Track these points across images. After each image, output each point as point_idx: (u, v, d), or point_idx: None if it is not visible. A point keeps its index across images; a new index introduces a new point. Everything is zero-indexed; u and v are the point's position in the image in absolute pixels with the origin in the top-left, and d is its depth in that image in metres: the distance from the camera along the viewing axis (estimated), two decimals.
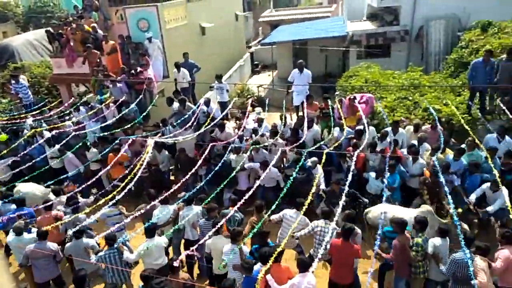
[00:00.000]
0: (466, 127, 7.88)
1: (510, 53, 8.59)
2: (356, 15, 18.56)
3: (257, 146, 8.39)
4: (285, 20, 23.15)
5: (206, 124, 9.60)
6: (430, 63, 14.49)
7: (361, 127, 8.45)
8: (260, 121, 9.84)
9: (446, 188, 5.86)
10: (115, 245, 5.94)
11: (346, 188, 6.26)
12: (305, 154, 7.65)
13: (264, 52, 21.25)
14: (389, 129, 8.52)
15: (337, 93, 11.49)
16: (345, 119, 9.14)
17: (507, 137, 7.69)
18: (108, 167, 8.16)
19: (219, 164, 7.85)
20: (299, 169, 7.33)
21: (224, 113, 10.93)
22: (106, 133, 9.59)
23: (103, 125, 10.26)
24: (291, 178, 6.75)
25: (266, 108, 10.93)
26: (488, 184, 6.76)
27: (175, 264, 5.29)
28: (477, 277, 4.86)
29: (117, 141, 8.90)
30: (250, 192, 6.57)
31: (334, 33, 17.10)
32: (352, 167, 6.70)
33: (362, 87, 10.69)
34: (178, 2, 14.67)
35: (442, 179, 6.06)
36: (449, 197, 5.71)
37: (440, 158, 7.24)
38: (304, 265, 4.96)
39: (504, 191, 6.30)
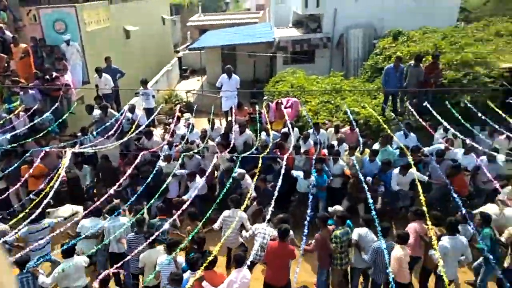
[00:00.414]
0: (385, 126, 8.64)
1: (417, 60, 9.49)
2: (283, 22, 19.20)
3: (188, 153, 8.25)
4: (214, 25, 23.15)
5: (131, 132, 9.22)
6: (349, 69, 15.47)
7: (286, 129, 8.73)
8: (190, 126, 9.71)
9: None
10: (27, 269, 5.42)
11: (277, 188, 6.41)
12: (239, 159, 7.70)
13: (192, 57, 21.02)
14: (311, 130, 8.94)
15: (265, 98, 11.75)
16: (272, 123, 9.39)
17: (412, 134, 8.54)
18: (19, 184, 7.42)
19: (151, 173, 7.55)
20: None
21: (150, 120, 10.60)
22: (15, 145, 8.69)
23: (10, 135, 9.21)
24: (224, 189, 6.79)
25: (194, 114, 10.82)
26: (397, 169, 7.40)
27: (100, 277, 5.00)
28: (390, 265, 5.30)
29: (28, 154, 8.12)
30: (188, 202, 6.52)
31: (261, 39, 17.48)
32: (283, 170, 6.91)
33: (288, 92, 11.05)
34: (100, 4, 13.95)
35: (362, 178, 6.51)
36: (368, 194, 6.13)
37: (357, 157, 7.76)
38: (239, 261, 5.10)
39: (413, 170, 6.98)
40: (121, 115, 9.79)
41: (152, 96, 11.25)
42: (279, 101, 10.03)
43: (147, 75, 13.68)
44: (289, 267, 5.85)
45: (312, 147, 8.38)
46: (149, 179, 7.30)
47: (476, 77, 9.60)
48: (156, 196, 6.93)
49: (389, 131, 8.70)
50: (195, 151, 8.45)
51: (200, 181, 7.52)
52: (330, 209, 6.58)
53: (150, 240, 5.68)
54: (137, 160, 7.57)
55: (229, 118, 10.60)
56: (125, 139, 8.81)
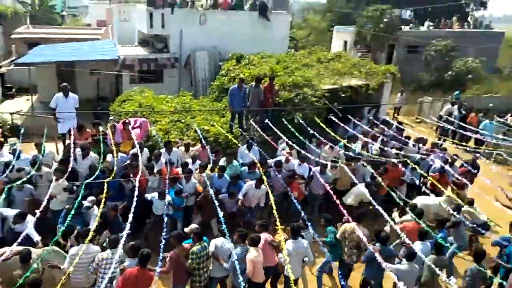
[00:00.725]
0: (235, 141, 9.22)
1: (257, 81, 10.46)
2: (127, 40, 18.60)
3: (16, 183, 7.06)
4: (46, 38, 20.66)
5: None
6: (198, 89, 15.98)
7: (135, 150, 8.40)
8: (16, 152, 8.34)
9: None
10: None
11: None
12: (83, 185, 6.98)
13: (19, 73, 18.20)
14: (163, 150, 8.86)
15: (111, 118, 11.06)
16: (119, 144, 8.91)
17: (254, 147, 9.35)
18: None
19: None
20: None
21: None
22: None
23: None
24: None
25: (21, 138, 9.33)
26: (252, 182, 7.95)
27: None
28: (247, 267, 5.74)
29: None
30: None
31: (105, 56, 16.48)
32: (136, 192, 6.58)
33: (136, 111, 10.68)
34: None
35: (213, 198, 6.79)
36: (220, 211, 6.44)
37: (208, 174, 8.04)
38: None
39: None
40: None
41: None
42: (126, 121, 9.60)
43: None
44: None
45: (164, 167, 8.27)
46: None
47: (305, 97, 11.14)
48: None
49: (239, 146, 9.32)
50: (24, 179, 7.28)
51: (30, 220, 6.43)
52: (186, 229, 6.58)
53: None
54: None
55: (67, 142, 9.58)
56: None
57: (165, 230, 6.03)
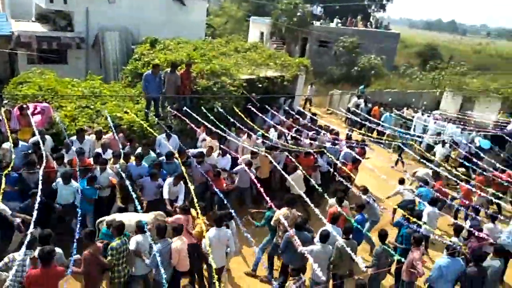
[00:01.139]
0: (151, 130, 8.82)
1: (173, 67, 10.07)
2: (22, 15, 16.42)
3: None
4: None
5: None
6: (109, 72, 14.87)
7: (36, 138, 7.52)
8: None
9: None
10: None
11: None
12: None
13: None
14: (74, 138, 8.09)
15: (5, 102, 9.72)
16: (17, 132, 7.89)
17: (173, 135, 9.02)
18: None
19: None
20: None
21: None
22: None
23: None
24: None
25: None
26: (171, 179, 7.64)
27: None
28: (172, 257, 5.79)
29: None
30: None
31: None
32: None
33: (36, 95, 9.54)
34: None
35: (127, 182, 6.38)
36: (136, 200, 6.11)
37: (122, 164, 7.58)
38: None
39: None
40: None
41: None
42: (24, 105, 8.52)
43: None
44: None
45: (75, 157, 7.54)
46: None
47: (223, 85, 11.08)
48: None
49: (155, 135, 8.92)
50: None
51: None
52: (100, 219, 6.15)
53: None
54: None
55: None
56: None
57: (78, 226, 5.48)
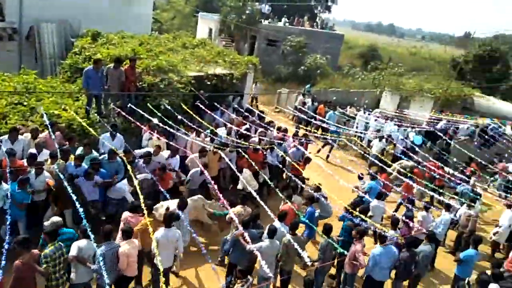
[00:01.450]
0: (90, 129, 8.42)
1: (116, 62, 9.62)
2: None
3: None
4: None
5: None
6: (45, 67, 13.94)
7: None
8: None
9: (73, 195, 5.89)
10: None
11: None
12: None
13: None
14: (4, 137, 7.47)
15: None
16: None
17: (118, 134, 8.70)
18: None
19: None
20: None
21: None
22: None
23: None
24: None
25: None
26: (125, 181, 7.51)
27: None
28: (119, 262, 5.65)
29: None
30: None
31: None
32: None
33: None
34: None
35: (68, 186, 6.03)
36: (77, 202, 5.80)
37: (61, 164, 7.16)
38: None
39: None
40: None
41: None
42: None
43: None
44: None
45: (4, 158, 6.94)
46: None
47: (171, 82, 10.81)
48: None
49: (95, 134, 8.49)
50: None
51: None
52: (46, 223, 5.74)
53: None
54: None
55: None
56: None
57: (8, 233, 5.04)
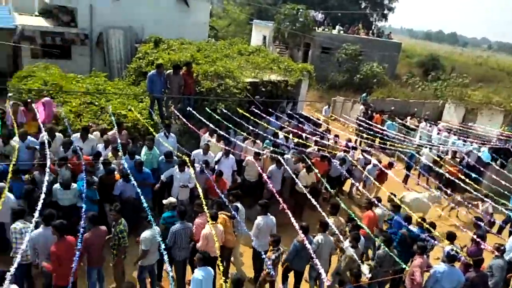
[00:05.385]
0: (152, 129, 8.83)
1: (175, 68, 9.98)
2: (25, 8, 16.38)
3: None
4: None
5: None
6: (113, 70, 14.85)
7: (43, 135, 7.46)
8: None
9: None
10: None
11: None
12: None
13: None
14: (75, 136, 8.04)
15: (10, 95, 9.67)
16: (22, 125, 7.85)
17: (172, 134, 9.14)
18: None
19: None
20: None
21: None
22: None
23: None
24: None
25: None
26: (176, 167, 7.75)
27: None
28: None
29: None
30: None
31: None
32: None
33: (41, 90, 9.49)
34: None
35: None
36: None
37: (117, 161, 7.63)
38: None
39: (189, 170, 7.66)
40: None
41: None
42: (29, 100, 8.49)
43: None
44: None
45: (74, 156, 7.45)
46: None
47: (227, 87, 11.06)
48: None
49: (156, 135, 8.86)
50: None
51: None
52: (164, 201, 6.66)
53: None
54: None
55: None
56: None
57: (84, 224, 5.43)
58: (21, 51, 13.91)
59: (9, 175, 5.77)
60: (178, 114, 9.90)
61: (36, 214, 4.97)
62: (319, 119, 13.93)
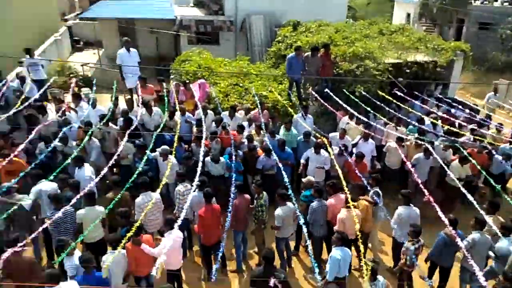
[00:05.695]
0: (291, 110, 9.15)
1: (313, 50, 10.01)
2: (182, 0, 18.59)
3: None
4: None
5: (19, 105, 7.90)
6: (254, 54, 15.78)
7: (199, 112, 8.51)
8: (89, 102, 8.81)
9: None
10: None
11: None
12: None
13: (85, 28, 18.95)
14: (225, 114, 8.89)
15: (172, 76, 11.27)
16: (182, 103, 9.09)
17: (309, 115, 9.27)
18: None
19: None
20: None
21: (40, 92, 9.19)
22: None
23: None
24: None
25: (94, 89, 9.81)
26: (312, 149, 7.89)
27: None
28: None
29: None
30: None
31: (162, 16, 16.65)
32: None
33: (196, 72, 10.76)
34: None
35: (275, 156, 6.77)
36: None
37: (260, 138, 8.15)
38: (169, 223, 5.43)
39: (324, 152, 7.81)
40: (3, 85, 8.30)
41: (41, 66, 9.83)
42: (187, 81, 9.75)
43: (26, 44, 11.79)
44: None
45: (223, 131, 8.31)
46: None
47: (367, 69, 10.60)
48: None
49: (294, 116, 9.16)
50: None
51: None
52: (304, 180, 7.04)
53: None
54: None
55: (135, 96, 9.90)
56: (11, 112, 7.50)
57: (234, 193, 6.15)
58: (180, 38, 15.91)
59: (175, 144, 6.79)
60: (315, 95, 10.02)
61: (196, 179, 5.76)
62: (476, 105, 12.19)
